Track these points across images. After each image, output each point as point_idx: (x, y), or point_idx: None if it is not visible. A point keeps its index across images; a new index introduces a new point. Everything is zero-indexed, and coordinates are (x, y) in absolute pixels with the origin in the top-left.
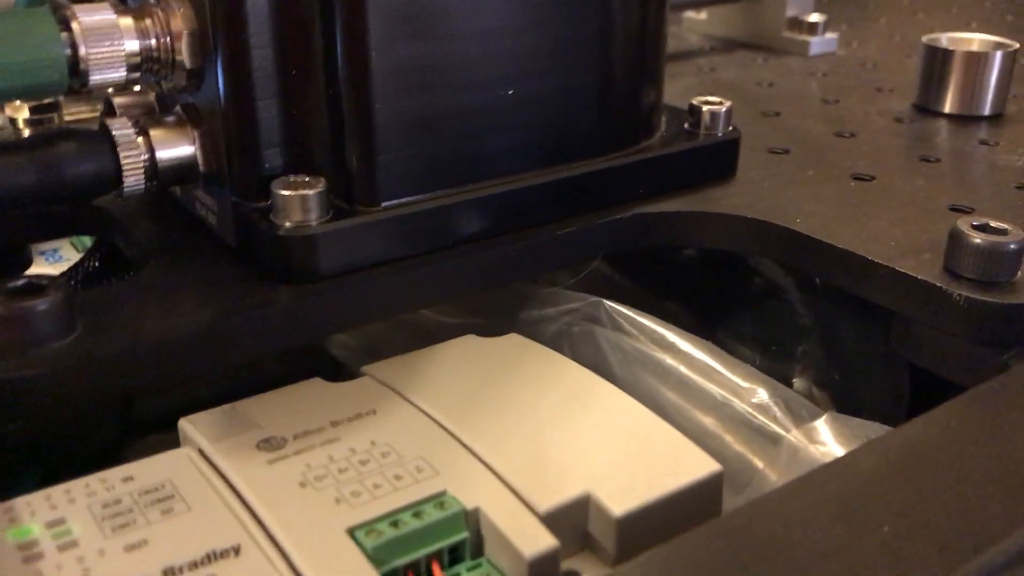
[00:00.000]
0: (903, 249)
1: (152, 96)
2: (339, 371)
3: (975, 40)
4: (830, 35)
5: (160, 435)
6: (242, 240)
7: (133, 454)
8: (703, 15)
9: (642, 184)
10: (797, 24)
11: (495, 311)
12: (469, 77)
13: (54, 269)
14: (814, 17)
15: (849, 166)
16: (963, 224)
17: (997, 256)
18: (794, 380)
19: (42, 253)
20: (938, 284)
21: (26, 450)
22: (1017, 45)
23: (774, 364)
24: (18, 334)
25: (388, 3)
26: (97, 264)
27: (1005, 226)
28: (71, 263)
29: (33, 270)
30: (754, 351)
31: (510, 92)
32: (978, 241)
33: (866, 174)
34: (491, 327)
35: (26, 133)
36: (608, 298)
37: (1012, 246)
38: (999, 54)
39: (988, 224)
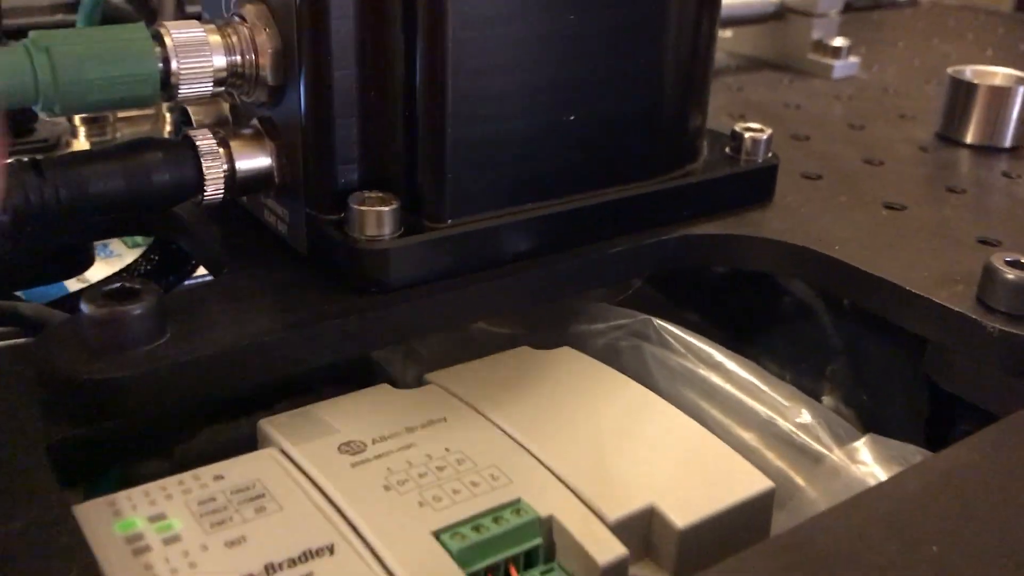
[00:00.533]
0: (937, 280)
1: (226, 107)
2: (373, 373)
3: (999, 74)
4: (853, 59)
5: (211, 430)
6: (314, 250)
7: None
8: (729, 33)
9: (686, 206)
10: (822, 47)
11: (545, 324)
12: (532, 105)
13: (108, 264)
14: (838, 41)
15: (880, 194)
16: (997, 260)
17: None
18: (823, 398)
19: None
20: (973, 316)
21: (113, 447)
22: None
23: (803, 382)
24: (113, 337)
25: (466, 40)
26: (154, 263)
27: None
28: (121, 258)
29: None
30: (784, 368)
31: (571, 118)
32: (1011, 277)
33: (896, 203)
34: (541, 340)
35: (82, 131)
36: (645, 312)
37: None
38: (1021, 89)
39: (1020, 260)
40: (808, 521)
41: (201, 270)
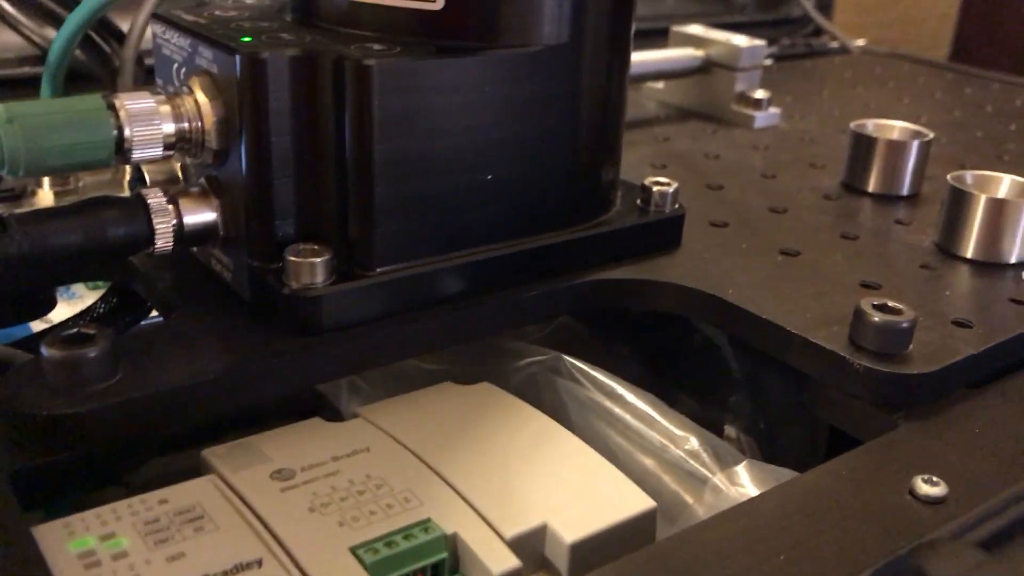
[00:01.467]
0: (817, 321)
1: (177, 165)
2: (323, 404)
3: (896, 128)
4: (774, 110)
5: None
6: (255, 296)
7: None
8: (660, 84)
9: (599, 254)
10: (744, 99)
11: (469, 361)
12: (454, 165)
13: (70, 305)
14: (759, 93)
15: (779, 241)
16: (866, 303)
17: (892, 333)
18: (726, 427)
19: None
20: (842, 354)
21: (70, 475)
22: (932, 135)
23: (710, 412)
24: (70, 376)
25: (389, 108)
26: (111, 306)
27: (900, 306)
28: (83, 299)
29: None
30: (693, 399)
31: (488, 176)
32: (876, 319)
33: (793, 249)
34: (466, 375)
35: (46, 180)
36: (569, 348)
37: (904, 324)
38: (916, 143)
39: (887, 304)
40: (676, 535)
41: (156, 312)
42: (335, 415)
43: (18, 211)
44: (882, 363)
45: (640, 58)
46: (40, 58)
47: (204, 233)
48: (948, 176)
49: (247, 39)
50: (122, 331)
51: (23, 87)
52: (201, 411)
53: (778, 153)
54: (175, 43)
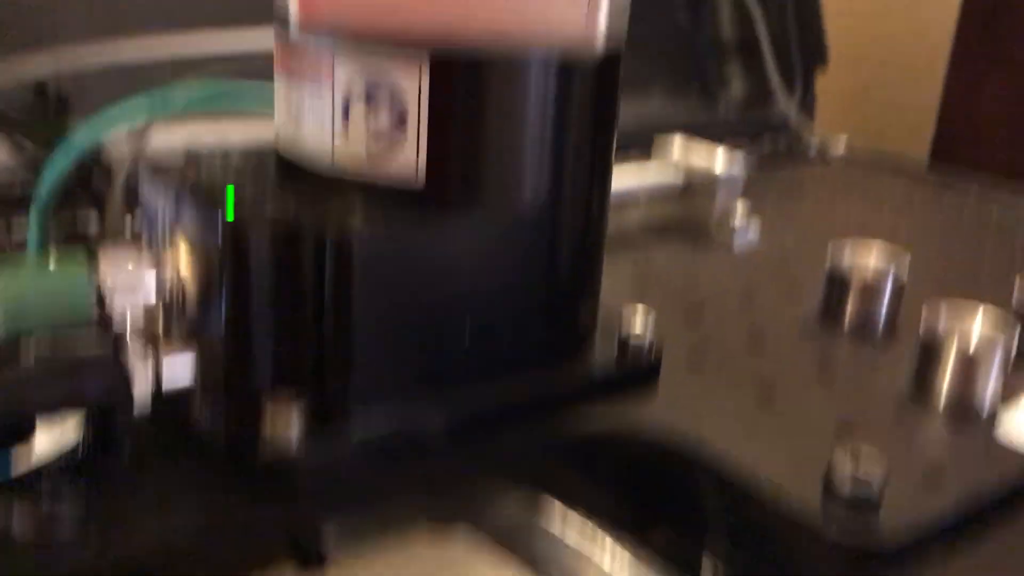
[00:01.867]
0: (792, 471)
1: (160, 313)
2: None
3: (872, 259)
4: (753, 229)
5: None
6: (231, 446)
7: None
8: (642, 204)
9: (576, 394)
10: (724, 219)
11: (448, 506)
12: (432, 317)
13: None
14: (739, 213)
15: (755, 381)
16: (839, 455)
17: (865, 487)
18: (703, 560)
19: None
20: (816, 505)
21: None
22: (905, 278)
23: (687, 546)
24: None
25: (369, 276)
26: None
27: (874, 458)
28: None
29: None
30: (672, 536)
31: (467, 324)
32: (849, 473)
33: (769, 390)
34: (444, 517)
35: None
36: (549, 478)
37: (876, 480)
38: (890, 281)
39: (859, 456)
40: None
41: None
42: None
43: None
44: (856, 516)
45: (622, 183)
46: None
47: (181, 386)
48: (921, 321)
49: (230, 202)
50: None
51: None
52: (179, 568)
53: (756, 276)
54: (161, 196)
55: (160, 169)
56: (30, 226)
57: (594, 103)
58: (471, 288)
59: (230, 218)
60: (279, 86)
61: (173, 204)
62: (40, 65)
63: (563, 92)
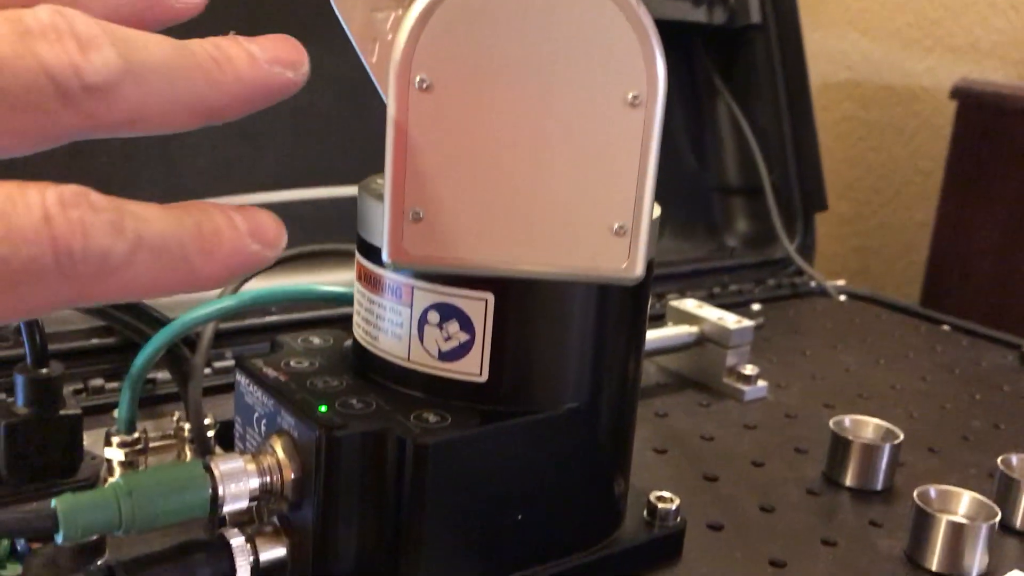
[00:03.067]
0: None
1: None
2: None
3: (871, 426)
4: (761, 383)
5: None
6: None
7: None
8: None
9: (611, 570)
10: (735, 373)
11: None
12: (492, 511)
13: None
14: (748, 369)
15: (768, 549)
16: None
17: None
18: None
19: None
20: None
21: None
22: (902, 436)
23: None
24: None
25: (441, 476)
26: None
27: None
28: None
29: None
30: None
31: (519, 517)
32: None
33: (780, 559)
34: None
35: (118, 471)
36: None
37: None
38: (888, 446)
39: None
40: None
41: None
42: None
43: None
44: None
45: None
46: (106, 329)
47: (276, 568)
48: (915, 493)
49: (324, 407)
50: None
51: (89, 357)
52: None
53: (766, 434)
54: (258, 397)
55: (256, 373)
56: (121, 396)
57: (630, 315)
58: (521, 484)
59: (325, 426)
60: (359, 294)
61: (271, 407)
62: None
63: (603, 311)
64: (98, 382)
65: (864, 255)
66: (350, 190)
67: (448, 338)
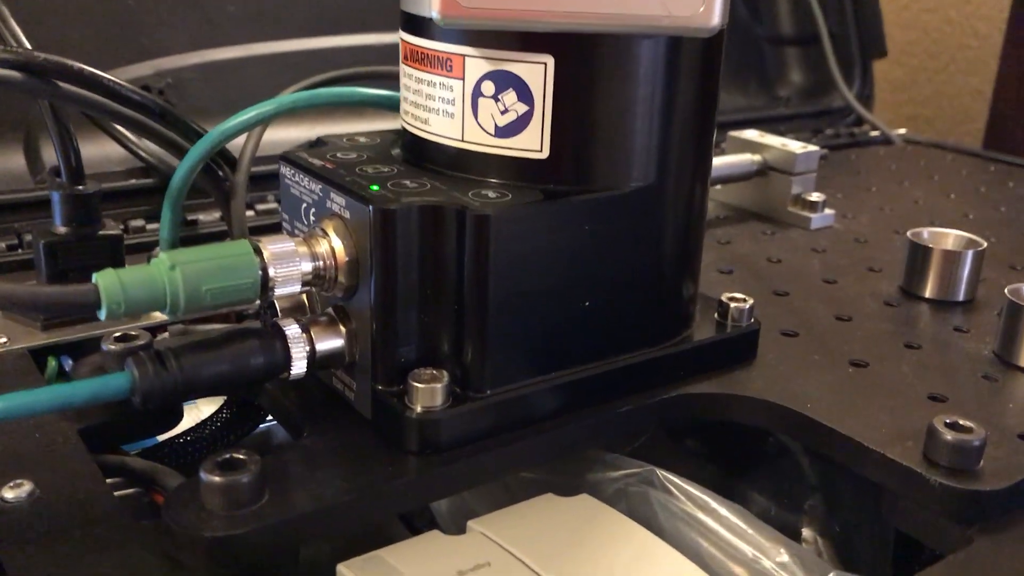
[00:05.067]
0: (891, 436)
1: (304, 295)
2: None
3: (951, 236)
4: (828, 211)
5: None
6: (378, 416)
7: None
8: (719, 187)
9: (683, 368)
10: (800, 201)
11: (565, 471)
12: (555, 296)
13: (187, 413)
14: (815, 196)
15: (847, 351)
16: (938, 422)
17: (964, 451)
18: (803, 530)
19: None
20: (918, 470)
21: None
22: (985, 244)
23: (785, 515)
24: (226, 500)
25: (504, 251)
26: (226, 417)
27: (971, 424)
28: (198, 407)
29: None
30: (769, 502)
31: (585, 304)
32: (949, 438)
33: (861, 360)
34: (561, 484)
35: None
36: (651, 454)
37: (976, 443)
38: (970, 253)
39: (958, 422)
40: None
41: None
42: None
43: (142, 325)
44: (956, 479)
45: None
46: (144, 170)
47: (332, 359)
48: (1006, 289)
49: (375, 187)
50: (238, 439)
51: (128, 198)
52: (338, 528)
53: (836, 257)
54: (305, 185)
55: (302, 163)
56: (163, 214)
57: (701, 79)
58: (587, 269)
59: (379, 201)
60: (406, 76)
61: (319, 193)
62: (144, 71)
63: (673, 73)
64: (138, 223)
65: (917, 124)
66: (385, 37)
67: (505, 111)
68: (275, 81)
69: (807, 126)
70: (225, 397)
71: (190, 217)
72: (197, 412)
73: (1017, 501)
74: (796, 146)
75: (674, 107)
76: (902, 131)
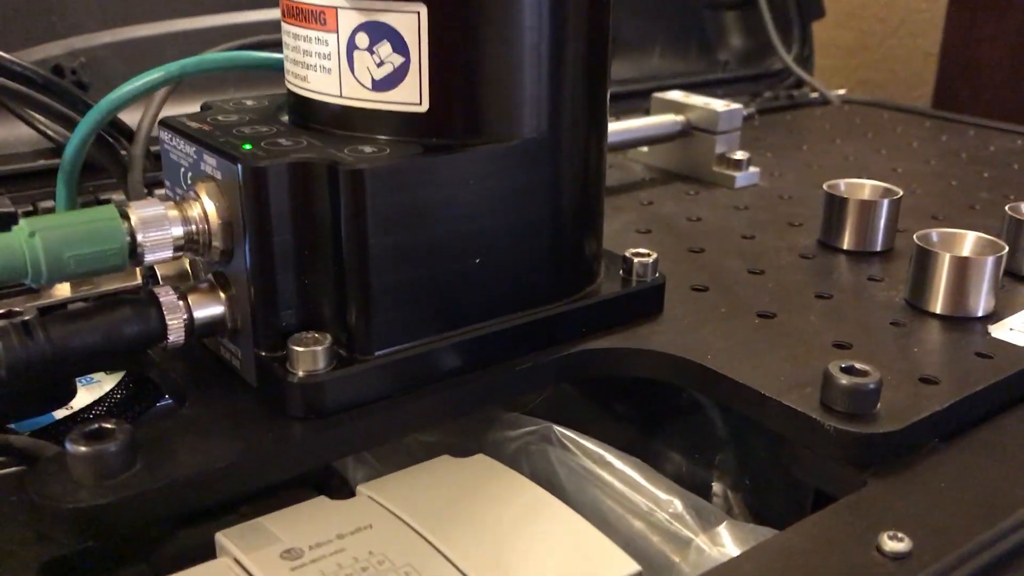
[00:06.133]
0: (790, 384)
1: (186, 261)
2: (329, 474)
3: (867, 187)
4: (753, 169)
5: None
6: (262, 383)
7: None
8: (645, 148)
9: (585, 324)
10: (725, 160)
11: (464, 432)
12: (444, 253)
13: (89, 391)
14: (739, 154)
15: (755, 303)
16: (833, 367)
17: (859, 395)
18: (713, 484)
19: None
20: (814, 416)
21: (93, 562)
22: (901, 192)
23: (697, 470)
24: (94, 470)
25: (381, 207)
26: (127, 393)
27: (867, 368)
28: (101, 384)
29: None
30: (682, 457)
31: (477, 261)
32: (844, 382)
33: (769, 311)
34: (461, 446)
35: None
36: (561, 412)
37: (871, 386)
38: (886, 202)
39: (854, 366)
40: None
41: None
42: (342, 483)
43: (34, 304)
44: (851, 423)
45: (624, 126)
46: (54, 151)
47: (212, 326)
48: (914, 236)
49: (248, 146)
50: (138, 416)
51: (37, 179)
52: (216, 495)
53: (757, 213)
54: (181, 149)
55: (179, 126)
56: (57, 190)
57: (589, 27)
58: (478, 224)
59: (248, 159)
60: (285, 35)
61: (194, 155)
62: (56, 51)
63: (559, 13)
64: (48, 204)
65: (869, 89)
66: None
67: (381, 63)
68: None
69: (746, 90)
70: (122, 373)
71: (103, 196)
72: (99, 389)
73: (913, 443)
74: (719, 104)
75: (563, 56)
76: (841, 91)
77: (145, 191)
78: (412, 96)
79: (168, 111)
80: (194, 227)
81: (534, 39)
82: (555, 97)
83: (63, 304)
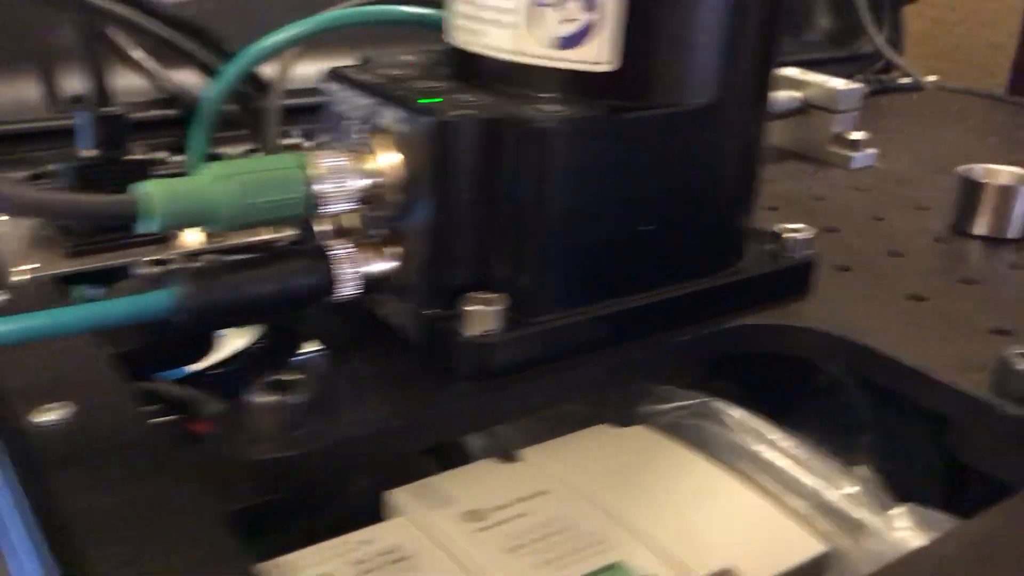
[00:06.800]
0: (959, 367)
1: (342, 218)
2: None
3: (1004, 172)
4: (870, 151)
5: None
6: (426, 341)
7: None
8: None
9: (737, 299)
10: (841, 140)
11: (614, 404)
12: (611, 217)
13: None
14: (856, 135)
15: (902, 285)
16: (1009, 352)
17: None
18: (854, 468)
19: None
20: (990, 400)
21: (273, 517)
22: None
23: (837, 451)
24: (275, 422)
25: (562, 166)
26: (265, 345)
27: None
28: (227, 338)
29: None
30: (821, 439)
31: (639, 228)
32: (1021, 367)
33: (918, 294)
34: (614, 418)
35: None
36: (701, 389)
37: None
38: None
39: None
40: None
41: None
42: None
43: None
44: None
45: None
46: (167, 101)
47: (380, 281)
48: None
49: (429, 100)
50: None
51: (151, 129)
52: (389, 452)
53: (880, 195)
54: (352, 102)
55: (350, 78)
56: (193, 138)
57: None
58: (645, 189)
59: (436, 114)
60: None
61: (368, 108)
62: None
63: None
64: (161, 155)
65: (945, 62)
66: None
67: (568, 20)
68: (300, 12)
69: (836, 72)
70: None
71: (216, 151)
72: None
73: None
74: (838, 83)
75: (745, 21)
76: (933, 78)
77: (281, 143)
78: (598, 55)
79: None
80: (372, 180)
81: (720, 2)
82: (731, 63)
83: (195, 255)
